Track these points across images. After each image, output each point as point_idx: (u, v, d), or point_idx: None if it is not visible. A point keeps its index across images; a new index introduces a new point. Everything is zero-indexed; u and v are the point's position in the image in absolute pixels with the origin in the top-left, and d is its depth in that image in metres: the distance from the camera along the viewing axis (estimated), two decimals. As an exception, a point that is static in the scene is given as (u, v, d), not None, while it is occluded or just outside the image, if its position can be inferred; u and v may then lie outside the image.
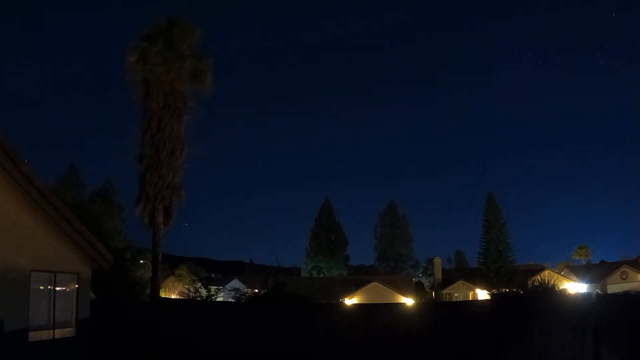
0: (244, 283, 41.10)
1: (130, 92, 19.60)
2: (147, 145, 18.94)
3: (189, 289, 19.60)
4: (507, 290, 16.06)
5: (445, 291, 53.98)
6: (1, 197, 10.29)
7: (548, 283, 14.50)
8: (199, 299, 18.05)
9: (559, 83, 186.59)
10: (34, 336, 10.77)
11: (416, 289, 52.31)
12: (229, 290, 22.46)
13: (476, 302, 26.27)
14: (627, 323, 8.42)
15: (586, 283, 50.31)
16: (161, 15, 19.87)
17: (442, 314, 14.66)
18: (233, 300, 18.88)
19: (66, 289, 12.04)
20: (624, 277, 50.70)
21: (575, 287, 45.76)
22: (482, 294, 44.07)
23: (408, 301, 34.74)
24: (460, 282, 54.53)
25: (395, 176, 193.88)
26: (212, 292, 18.13)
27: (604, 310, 9.16)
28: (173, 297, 43.20)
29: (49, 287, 11.46)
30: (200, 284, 22.15)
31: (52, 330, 11.30)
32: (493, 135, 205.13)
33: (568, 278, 51.71)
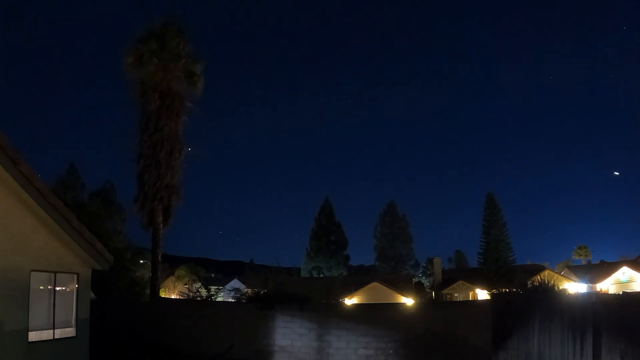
0: (244, 283, 41.10)
1: (128, 93, 19.68)
2: (145, 146, 18.96)
3: (189, 289, 19.64)
4: (507, 290, 16.06)
5: (445, 291, 53.97)
6: (1, 197, 10.29)
7: (548, 283, 14.51)
8: (199, 298, 18.05)
9: (560, 83, 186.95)
10: (33, 336, 10.76)
11: (416, 289, 52.23)
12: (229, 290, 22.48)
13: (476, 302, 26.25)
14: (627, 323, 8.42)
15: (586, 283, 50.27)
16: (155, 18, 20.03)
17: (442, 314, 14.66)
18: (233, 300, 18.90)
19: (66, 289, 12.05)
20: (624, 277, 50.68)
21: (575, 287, 45.74)
22: (482, 294, 44.07)
23: (408, 301, 34.71)
24: (460, 282, 54.51)
25: (395, 176, 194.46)
26: (212, 292, 18.12)
27: (604, 310, 9.15)
28: (173, 297, 43.20)
29: (49, 287, 11.47)
30: (200, 283, 22.19)
31: (52, 330, 11.30)
32: (493, 135, 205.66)
33: (568, 278, 51.69)
